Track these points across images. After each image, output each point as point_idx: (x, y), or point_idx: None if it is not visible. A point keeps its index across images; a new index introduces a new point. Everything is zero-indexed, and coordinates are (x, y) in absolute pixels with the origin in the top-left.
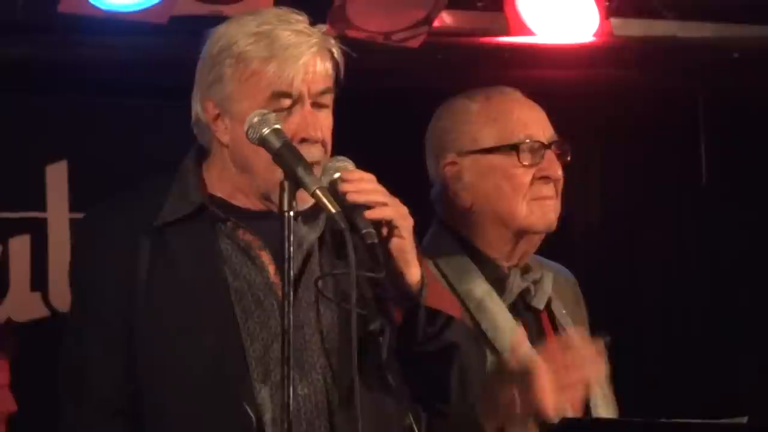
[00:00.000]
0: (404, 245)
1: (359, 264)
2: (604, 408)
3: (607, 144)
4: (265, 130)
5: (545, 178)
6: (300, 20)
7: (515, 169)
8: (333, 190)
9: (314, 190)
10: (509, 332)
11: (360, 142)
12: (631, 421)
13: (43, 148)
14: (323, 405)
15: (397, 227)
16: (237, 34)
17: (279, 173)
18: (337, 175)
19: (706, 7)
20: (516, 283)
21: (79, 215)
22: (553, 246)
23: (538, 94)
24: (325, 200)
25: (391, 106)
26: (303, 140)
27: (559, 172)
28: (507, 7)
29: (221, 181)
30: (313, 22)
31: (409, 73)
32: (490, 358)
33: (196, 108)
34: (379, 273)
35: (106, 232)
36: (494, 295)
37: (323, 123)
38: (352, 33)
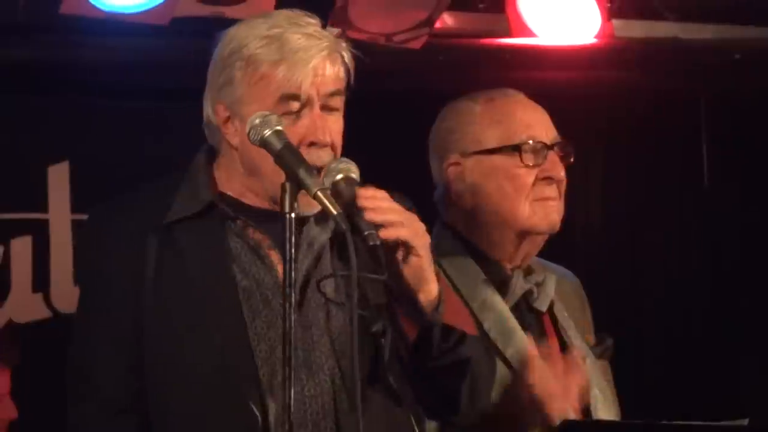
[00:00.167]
0: (422, 263)
1: (363, 266)
2: (605, 410)
3: (608, 145)
4: (267, 132)
5: (548, 179)
6: (311, 23)
7: (518, 169)
8: (335, 191)
9: (315, 192)
10: (512, 333)
11: (362, 143)
12: (631, 423)
13: (44, 149)
14: (330, 406)
15: (414, 246)
16: (247, 36)
17: None
18: (339, 176)
19: (708, 8)
20: (519, 285)
21: (81, 216)
22: (555, 247)
23: (540, 95)
24: (326, 202)
25: (393, 108)
26: (312, 144)
27: (562, 173)
28: (509, 8)
29: (231, 181)
30: (324, 25)
31: (410, 74)
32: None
33: (207, 110)
34: (381, 275)
35: (112, 232)
36: (497, 296)
37: (333, 127)
38: (353, 34)
